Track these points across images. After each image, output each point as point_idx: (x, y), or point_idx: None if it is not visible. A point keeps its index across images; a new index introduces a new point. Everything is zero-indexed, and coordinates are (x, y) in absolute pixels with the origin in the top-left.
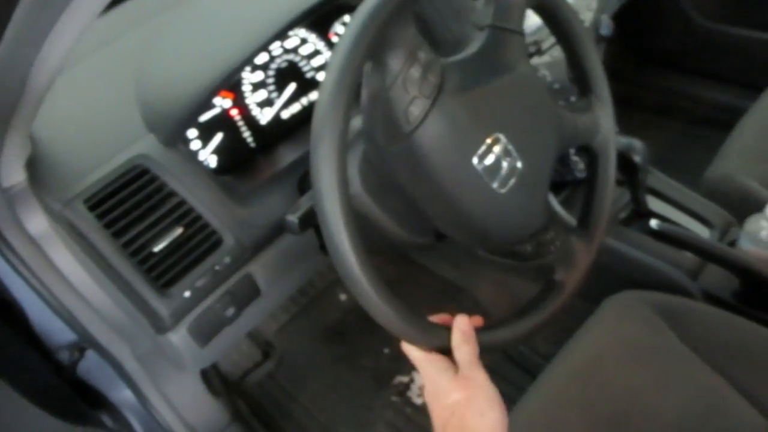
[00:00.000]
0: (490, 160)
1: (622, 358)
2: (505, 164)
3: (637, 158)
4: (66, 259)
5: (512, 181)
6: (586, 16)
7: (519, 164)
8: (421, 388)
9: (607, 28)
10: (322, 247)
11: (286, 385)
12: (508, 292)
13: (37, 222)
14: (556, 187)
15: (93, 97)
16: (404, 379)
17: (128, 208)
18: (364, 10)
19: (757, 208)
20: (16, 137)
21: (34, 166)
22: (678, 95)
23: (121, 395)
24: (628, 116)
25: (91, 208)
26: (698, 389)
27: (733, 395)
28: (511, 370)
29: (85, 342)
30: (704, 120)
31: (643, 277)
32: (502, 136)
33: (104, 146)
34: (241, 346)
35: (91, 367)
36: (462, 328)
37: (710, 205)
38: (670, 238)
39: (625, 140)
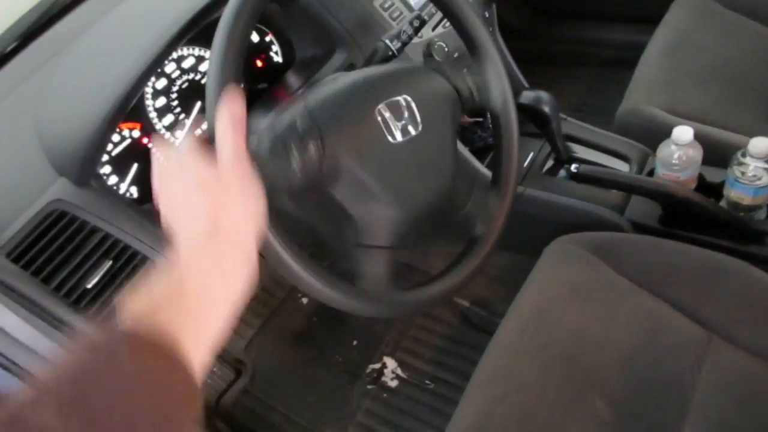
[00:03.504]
0: (392, 112)
1: (566, 300)
2: (404, 119)
3: (546, 109)
4: (5, 317)
5: (412, 132)
6: None
7: (419, 118)
8: (394, 371)
9: None
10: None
11: (263, 396)
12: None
13: None
14: (481, 151)
15: None
16: (376, 366)
17: (52, 252)
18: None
19: (667, 135)
20: None
21: None
22: (583, 42)
23: None
24: (541, 71)
25: (15, 260)
26: (640, 315)
27: (672, 314)
28: (472, 335)
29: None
30: (612, 61)
31: (575, 221)
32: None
33: (18, 199)
34: (212, 369)
35: None
36: (232, 111)
37: (624, 140)
38: (590, 178)
39: (533, 93)
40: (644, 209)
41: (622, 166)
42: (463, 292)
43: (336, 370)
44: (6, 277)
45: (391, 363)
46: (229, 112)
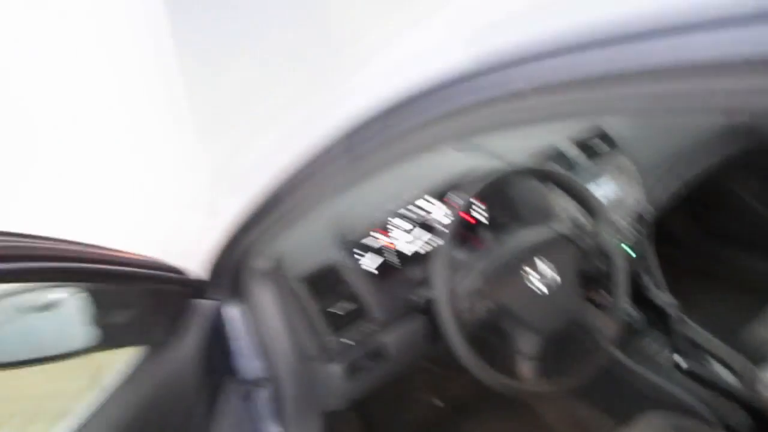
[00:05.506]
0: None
1: None
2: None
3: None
4: (273, 312)
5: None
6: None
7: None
8: None
9: (649, 215)
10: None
11: None
12: (572, 416)
13: (266, 291)
14: None
15: (314, 230)
16: None
17: (325, 286)
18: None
19: None
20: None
21: (278, 261)
22: (742, 271)
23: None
24: (688, 282)
25: (305, 281)
26: None
27: None
28: None
29: (269, 378)
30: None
31: (666, 400)
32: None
33: (314, 253)
34: None
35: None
36: None
37: (738, 356)
38: (695, 376)
39: (665, 296)
40: (736, 415)
41: (724, 372)
42: None
43: None
44: (300, 292)
45: None
46: None
